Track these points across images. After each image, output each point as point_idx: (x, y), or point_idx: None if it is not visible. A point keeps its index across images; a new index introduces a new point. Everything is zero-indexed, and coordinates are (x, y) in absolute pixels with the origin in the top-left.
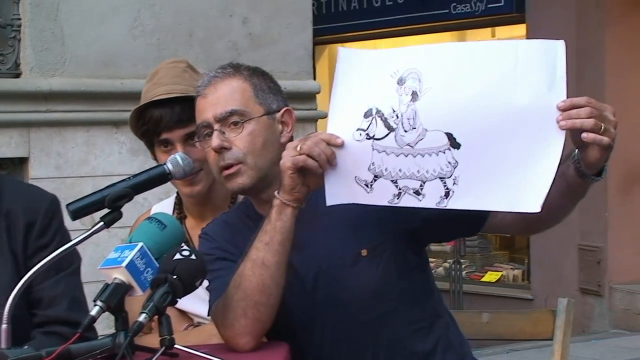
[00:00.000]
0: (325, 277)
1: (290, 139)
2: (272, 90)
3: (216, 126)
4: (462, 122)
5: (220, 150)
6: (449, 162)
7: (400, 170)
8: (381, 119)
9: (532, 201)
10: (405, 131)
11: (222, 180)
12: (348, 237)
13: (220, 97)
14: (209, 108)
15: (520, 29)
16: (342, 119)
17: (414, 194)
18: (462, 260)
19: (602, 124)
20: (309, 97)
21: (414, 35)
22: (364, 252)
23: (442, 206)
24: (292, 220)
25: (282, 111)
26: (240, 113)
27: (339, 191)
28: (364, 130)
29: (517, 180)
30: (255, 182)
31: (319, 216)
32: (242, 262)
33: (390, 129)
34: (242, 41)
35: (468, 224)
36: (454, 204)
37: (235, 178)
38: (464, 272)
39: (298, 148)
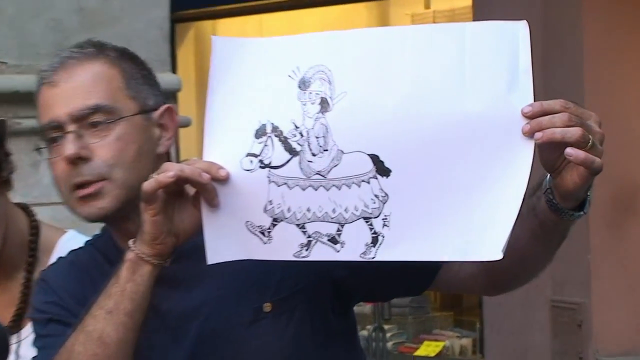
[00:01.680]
0: (212, 341)
1: (167, 154)
2: (147, 81)
3: (71, 127)
4: (391, 139)
5: (76, 161)
6: (376, 196)
7: (308, 209)
8: (279, 139)
9: (490, 246)
10: (314, 155)
11: (72, 204)
12: (246, 286)
13: (78, 87)
14: (60, 102)
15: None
16: (223, 140)
17: (330, 243)
18: (386, 327)
19: (590, 137)
20: (167, 95)
21: (316, 7)
22: (267, 307)
23: (368, 258)
24: (149, 283)
25: (161, 110)
26: (107, 110)
27: (224, 244)
28: (256, 156)
29: (469, 217)
30: (122, 207)
31: (203, 260)
32: (74, 332)
33: (293, 152)
34: (70, 19)
35: (413, 278)
36: (385, 254)
37: (94, 201)
38: (389, 343)
39: (169, 173)
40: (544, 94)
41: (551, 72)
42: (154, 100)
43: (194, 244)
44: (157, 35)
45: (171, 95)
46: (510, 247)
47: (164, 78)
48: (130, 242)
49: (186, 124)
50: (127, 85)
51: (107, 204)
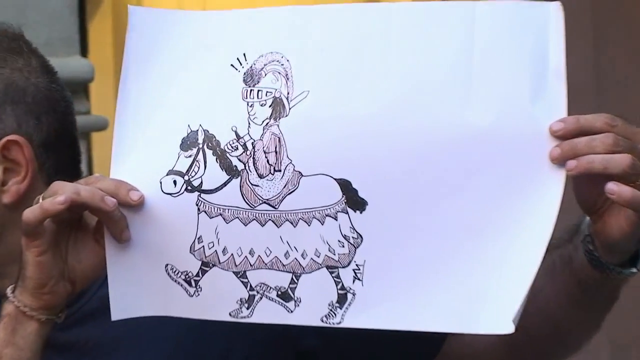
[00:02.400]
0: None
1: (20, 201)
2: None
3: None
4: (368, 159)
5: None
6: (345, 237)
7: (251, 252)
8: (214, 153)
9: (497, 314)
10: (261, 176)
11: None
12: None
13: None
14: None
15: None
16: (138, 151)
17: (280, 299)
18: None
19: None
20: (75, 88)
21: None
22: None
23: (332, 322)
24: (35, 347)
25: (4, 140)
26: None
27: (135, 293)
28: (182, 175)
29: (471, 272)
30: None
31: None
32: None
33: (232, 171)
34: None
35: (412, 349)
36: (355, 318)
37: None
38: None
39: (59, 197)
40: (585, 110)
41: (603, 69)
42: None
43: (101, 295)
44: (60, 5)
45: (81, 87)
46: (538, 313)
47: (71, 63)
48: (9, 290)
49: (101, 127)
50: None
51: None
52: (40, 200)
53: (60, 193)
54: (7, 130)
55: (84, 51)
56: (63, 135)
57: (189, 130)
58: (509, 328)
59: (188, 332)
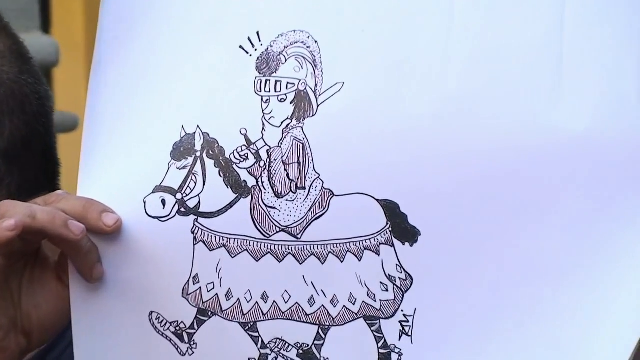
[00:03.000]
0: None
1: None
2: None
3: None
4: (421, 175)
5: None
6: (390, 278)
7: (264, 296)
8: (216, 163)
9: None
10: (279, 195)
11: None
12: None
13: None
14: None
15: None
16: (115, 160)
17: None
18: None
19: None
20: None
21: None
22: None
23: None
24: None
25: None
26: None
27: (109, 351)
28: (174, 192)
29: (559, 328)
30: None
31: None
32: None
33: (241, 188)
34: None
35: None
36: None
37: None
38: None
39: (8, 222)
40: None
41: None
42: None
43: (67, 351)
44: None
45: (43, 72)
46: None
47: (29, 42)
48: None
49: (69, 127)
50: None
51: None
52: None
53: (10, 216)
54: None
55: (45, 26)
56: (32, 143)
57: (183, 133)
58: None
59: None
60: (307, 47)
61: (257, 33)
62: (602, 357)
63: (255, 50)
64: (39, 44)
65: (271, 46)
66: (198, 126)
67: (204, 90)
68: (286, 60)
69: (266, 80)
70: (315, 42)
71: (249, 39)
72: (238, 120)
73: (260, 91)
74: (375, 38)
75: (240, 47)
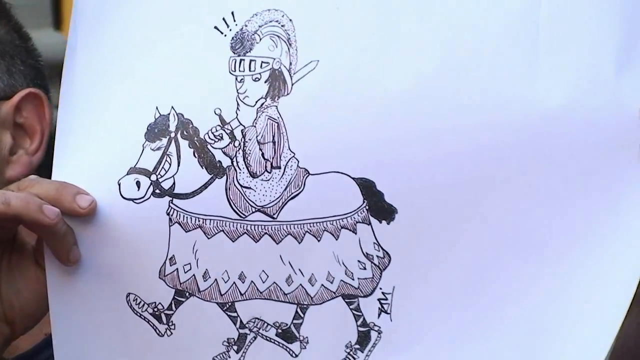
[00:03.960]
0: None
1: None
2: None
3: None
4: (398, 152)
5: None
6: (368, 256)
7: (242, 276)
8: (191, 143)
9: (577, 356)
10: (254, 175)
11: None
12: None
13: None
14: None
15: None
16: (89, 142)
17: (280, 340)
18: None
19: None
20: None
21: None
22: None
23: None
24: None
25: (17, 97)
26: None
27: (87, 333)
28: (148, 174)
29: (538, 302)
30: None
31: None
32: None
33: (216, 168)
34: None
35: None
36: None
37: None
38: None
39: None
40: None
41: None
42: (6, 80)
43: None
44: None
45: (54, 67)
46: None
47: (42, 39)
48: None
49: None
50: None
51: None
52: None
53: None
54: (18, 86)
55: (57, 22)
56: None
57: (157, 114)
58: None
59: None
60: (282, 25)
61: (232, 13)
62: (585, 333)
63: (230, 30)
64: (50, 41)
65: (245, 25)
66: (172, 107)
67: (178, 71)
68: (260, 40)
69: (240, 60)
70: (290, 20)
71: (223, 19)
72: (212, 100)
73: (235, 71)
74: (350, 15)
75: (215, 27)
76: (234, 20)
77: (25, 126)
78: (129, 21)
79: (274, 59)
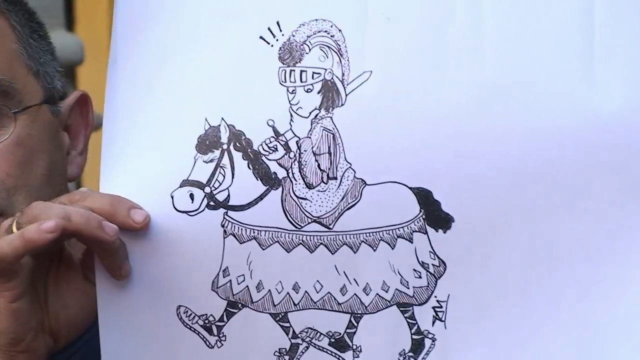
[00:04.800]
0: None
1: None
2: (49, 47)
3: None
4: (454, 162)
5: None
6: (424, 265)
7: (296, 287)
8: (244, 155)
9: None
10: (310, 186)
11: None
12: None
13: None
14: None
15: None
16: (139, 156)
17: (333, 349)
18: None
19: None
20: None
21: None
22: None
23: None
24: None
25: (72, 99)
26: (3, 88)
27: (136, 346)
28: (202, 186)
29: (598, 310)
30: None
31: None
32: None
33: (271, 180)
34: None
35: None
36: None
37: None
38: None
39: (47, 224)
40: None
41: None
42: (60, 81)
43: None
44: None
45: (66, 71)
46: None
47: (54, 40)
48: None
49: (95, 126)
50: (26, 51)
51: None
52: (14, 229)
53: (46, 217)
54: (59, 90)
55: (69, 24)
56: None
57: (208, 126)
58: None
59: None
60: (331, 36)
61: (277, 23)
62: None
63: (277, 40)
64: (63, 43)
65: (293, 36)
66: (223, 119)
67: (226, 82)
68: (310, 50)
69: (291, 71)
70: (339, 30)
71: (269, 29)
72: (264, 111)
73: (285, 82)
74: (401, 26)
75: (261, 37)
76: (280, 31)
77: (72, 127)
78: (171, 31)
79: (326, 69)
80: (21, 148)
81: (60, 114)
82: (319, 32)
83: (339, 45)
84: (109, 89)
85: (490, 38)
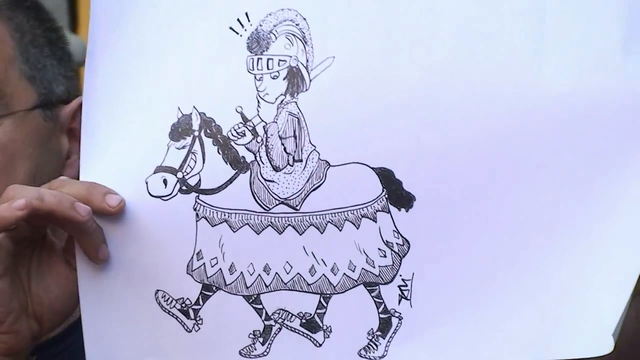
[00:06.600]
0: None
1: None
2: (56, 51)
3: None
4: (414, 141)
5: None
6: (388, 244)
7: (266, 268)
8: (214, 141)
9: (591, 332)
10: (277, 169)
11: None
12: None
13: None
14: None
15: None
16: (115, 143)
17: (304, 330)
18: None
19: None
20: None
21: None
22: None
23: (374, 357)
24: None
25: (74, 104)
26: None
27: (117, 331)
28: (174, 171)
29: (553, 282)
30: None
31: None
32: None
33: (239, 164)
34: None
35: None
36: (402, 350)
37: None
38: None
39: (17, 202)
40: None
41: None
42: (64, 85)
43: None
44: None
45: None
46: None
47: None
48: None
49: None
50: (23, 57)
51: None
52: None
53: (19, 197)
54: (72, 91)
55: (73, 25)
56: None
57: (180, 115)
58: (607, 346)
59: None
60: (296, 24)
61: (246, 14)
62: (596, 307)
63: (245, 30)
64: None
65: (260, 25)
66: (194, 106)
67: (197, 71)
68: (276, 39)
69: (258, 59)
70: (304, 19)
71: (238, 19)
72: (233, 98)
73: (253, 69)
74: (362, 11)
75: (230, 28)
76: (249, 21)
77: (76, 132)
78: (144, 25)
79: (291, 56)
80: (1, 154)
81: (58, 119)
82: (285, 21)
83: (304, 33)
84: (87, 83)
85: (446, 21)
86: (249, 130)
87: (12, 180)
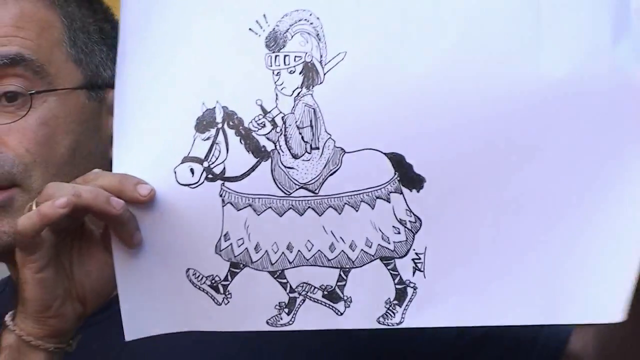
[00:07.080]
0: None
1: None
2: (105, 40)
3: None
4: (422, 127)
5: None
6: (401, 222)
7: (289, 247)
8: (237, 132)
9: (603, 299)
10: (296, 157)
11: None
12: None
13: None
14: None
15: None
16: (144, 136)
17: (326, 301)
18: None
19: None
20: None
21: None
22: None
23: (391, 323)
24: None
25: None
26: (34, 69)
27: (152, 307)
28: (201, 162)
29: (560, 251)
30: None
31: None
32: None
33: (261, 153)
34: None
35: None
36: (418, 316)
37: None
38: None
39: (59, 200)
40: None
41: None
42: (113, 70)
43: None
44: None
45: None
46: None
47: None
48: (7, 317)
49: None
50: (71, 41)
51: (14, 226)
52: (34, 207)
53: (59, 195)
54: (106, 78)
55: None
56: None
57: (205, 109)
58: (619, 314)
59: (226, 346)
60: (310, 23)
61: (264, 16)
62: (603, 286)
63: (263, 30)
64: None
65: (277, 25)
66: (217, 101)
67: (220, 69)
68: (292, 37)
69: (276, 56)
70: (317, 18)
71: (256, 21)
72: (253, 92)
73: (271, 66)
74: (369, 8)
75: (250, 29)
76: (266, 22)
77: None
78: (171, 29)
79: (306, 52)
80: (44, 127)
81: (105, 100)
82: (300, 20)
83: (317, 31)
84: (118, 81)
85: (450, 12)
86: (269, 122)
87: (53, 152)
